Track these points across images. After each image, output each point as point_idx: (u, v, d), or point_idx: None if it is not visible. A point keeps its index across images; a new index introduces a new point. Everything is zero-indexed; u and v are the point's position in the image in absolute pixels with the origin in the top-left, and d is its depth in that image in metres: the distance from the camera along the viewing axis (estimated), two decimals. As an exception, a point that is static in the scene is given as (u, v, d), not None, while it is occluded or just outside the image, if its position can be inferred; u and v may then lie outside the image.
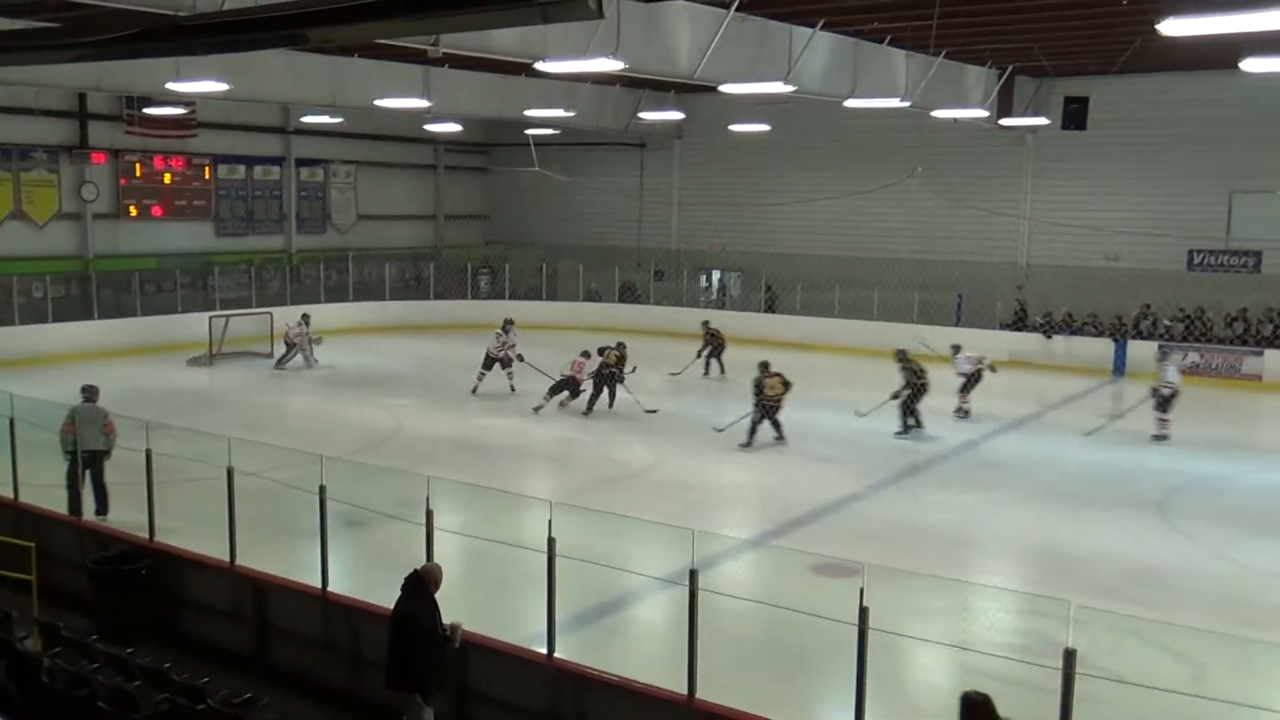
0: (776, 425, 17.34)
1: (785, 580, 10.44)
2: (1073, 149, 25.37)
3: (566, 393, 19.67)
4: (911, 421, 18.10)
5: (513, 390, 21.20)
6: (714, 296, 32.27)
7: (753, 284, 30.35)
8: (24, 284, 25.09)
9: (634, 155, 33.14)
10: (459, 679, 8.53)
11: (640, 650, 10.15)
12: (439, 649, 7.57)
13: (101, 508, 12.23)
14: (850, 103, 19.53)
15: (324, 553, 9.30)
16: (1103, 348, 24.73)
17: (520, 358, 21.50)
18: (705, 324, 24.15)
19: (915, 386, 18.09)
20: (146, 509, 10.60)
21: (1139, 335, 24.79)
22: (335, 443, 15.38)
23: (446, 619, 8.39)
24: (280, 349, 24.59)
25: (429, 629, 7.49)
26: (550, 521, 8.02)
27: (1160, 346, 19.67)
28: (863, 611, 6.64)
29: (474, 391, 21.16)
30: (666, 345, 26.43)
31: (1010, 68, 23.09)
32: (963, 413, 19.60)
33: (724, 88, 17.27)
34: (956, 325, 26.77)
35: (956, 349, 20.13)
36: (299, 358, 24.30)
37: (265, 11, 5.50)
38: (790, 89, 17.35)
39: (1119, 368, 24.43)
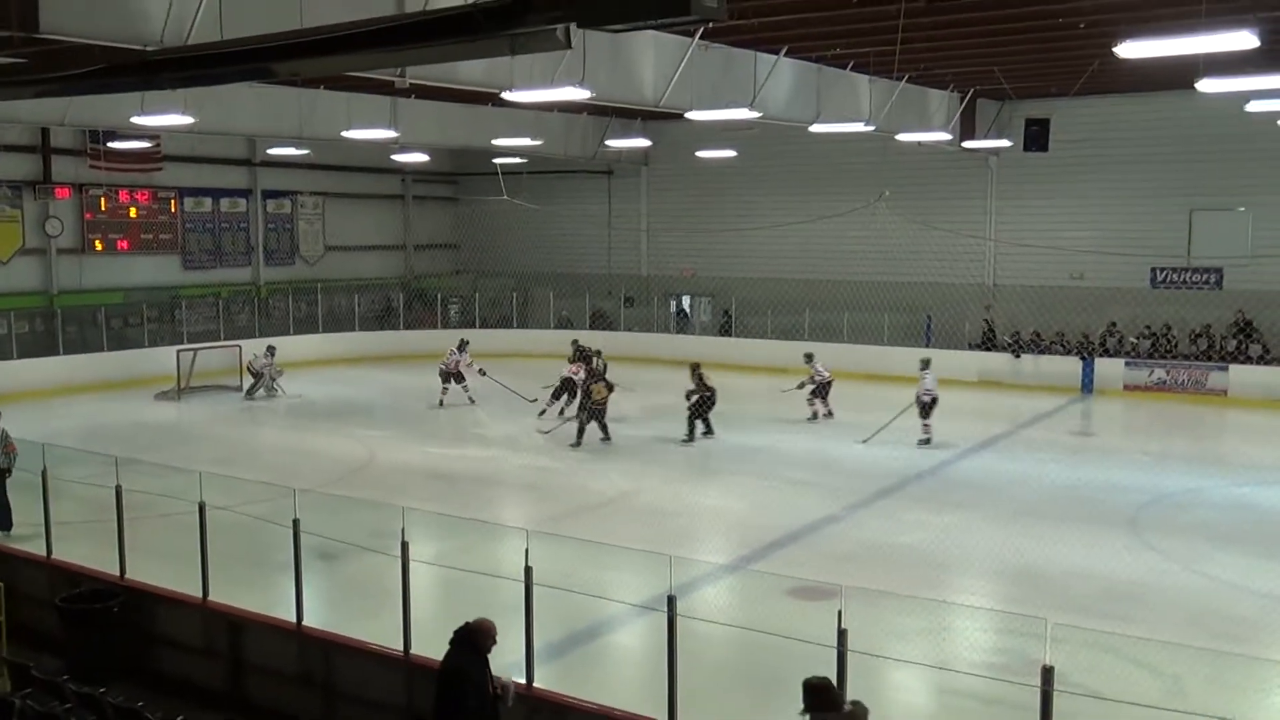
0: (604, 427, 18.81)
1: (763, 604, 10.43)
2: (1035, 170, 25.72)
3: (566, 396, 20.41)
4: (703, 429, 19.41)
5: (471, 402, 22.82)
6: (688, 321, 32.36)
7: (723, 308, 30.49)
8: (-12, 320, 24.83)
9: (602, 182, 33.27)
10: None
11: (619, 677, 10.11)
12: (489, 708, 7.05)
13: (4, 523, 12.59)
14: (815, 128, 19.73)
15: (299, 587, 9.23)
16: (1070, 366, 24.99)
17: (482, 371, 22.99)
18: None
19: (704, 398, 19.36)
20: (117, 546, 10.46)
21: (1105, 353, 25.06)
22: (307, 475, 15.27)
23: (423, 651, 8.36)
24: (247, 380, 24.50)
25: (478, 686, 6.99)
26: (527, 550, 7.99)
27: (921, 359, 20.36)
28: (841, 634, 6.65)
29: (440, 404, 22.67)
30: (639, 371, 26.42)
31: (972, 91, 23.41)
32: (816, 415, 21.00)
33: (690, 115, 17.42)
34: (927, 346, 26.98)
35: (926, 362, 20.30)
36: (263, 389, 24.24)
37: (232, 46, 5.52)
38: (755, 115, 17.53)
39: (1087, 385, 24.68)
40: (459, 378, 22.97)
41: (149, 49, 8.76)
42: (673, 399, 22.72)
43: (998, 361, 25.85)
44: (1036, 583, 12.03)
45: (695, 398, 19.34)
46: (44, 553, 11.13)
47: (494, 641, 7.09)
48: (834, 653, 6.82)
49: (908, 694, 9.48)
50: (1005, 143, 24.24)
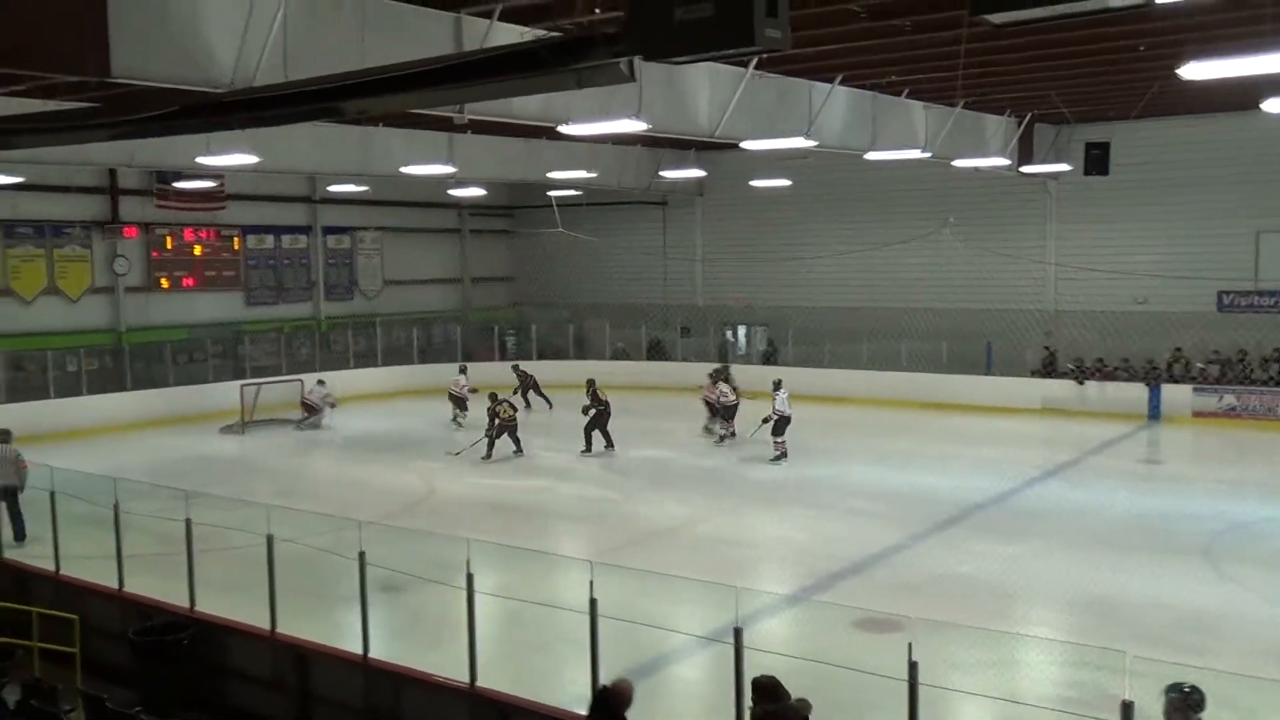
0: (516, 441, 20.71)
1: (828, 636, 10.31)
2: (1096, 194, 25.38)
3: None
4: (603, 442, 20.88)
5: (459, 426, 24.08)
6: (741, 351, 32.28)
7: (779, 337, 30.37)
8: (58, 358, 25.39)
9: (656, 213, 33.38)
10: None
11: (685, 710, 10.03)
12: None
13: (18, 535, 13.71)
14: (870, 155, 19.67)
15: (365, 618, 9.28)
16: (1136, 392, 24.51)
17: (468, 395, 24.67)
18: (515, 367, 27.34)
19: (600, 412, 20.91)
20: (187, 578, 10.61)
21: (1173, 379, 24.57)
22: (369, 507, 15.39)
23: (488, 683, 8.37)
24: (301, 414, 25.10)
25: None
26: (591, 582, 7.98)
27: (774, 380, 20.78)
28: (912, 666, 6.54)
29: (458, 426, 24.06)
30: (695, 401, 26.36)
31: (1029, 116, 23.21)
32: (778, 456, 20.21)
33: (745, 144, 17.43)
34: (987, 373, 26.68)
35: (777, 383, 20.72)
36: (313, 421, 24.86)
37: (301, 86, 5.63)
38: (811, 144, 17.51)
39: (1154, 412, 24.19)
40: (459, 402, 24.44)
41: (219, 90, 8.96)
42: (730, 430, 22.63)
43: (1061, 389, 25.45)
44: (1108, 614, 11.77)
45: (592, 412, 21.00)
46: (116, 585, 11.30)
47: (630, 704, 7.06)
48: (901, 685, 6.70)
49: (978, 728, 9.31)
50: (1064, 167, 23.96)
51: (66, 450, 20.04)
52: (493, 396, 21.13)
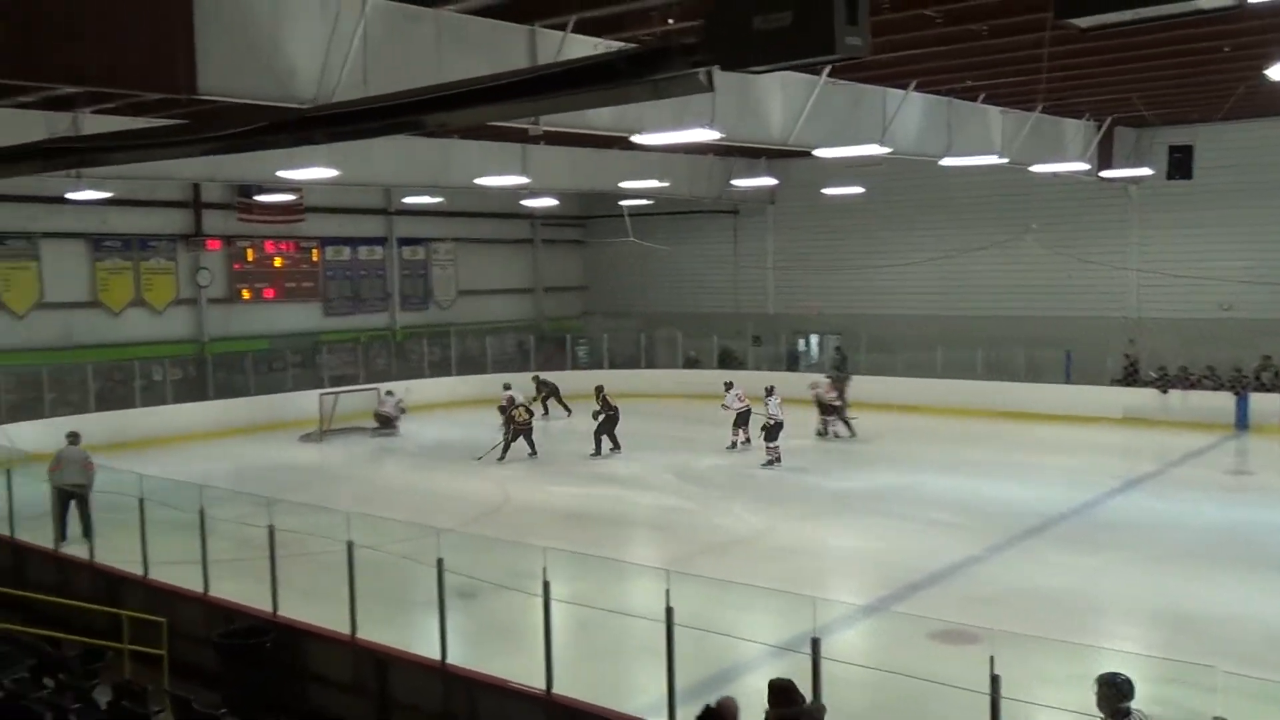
0: (530, 444, 21.85)
1: (905, 647, 10.20)
2: (1179, 198, 24.79)
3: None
4: (610, 445, 21.87)
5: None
6: (813, 360, 32.09)
7: (853, 346, 30.10)
8: (144, 368, 26.11)
9: (728, 222, 33.34)
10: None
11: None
12: None
13: (86, 532, 14.36)
14: (945, 161, 19.43)
15: (443, 624, 9.38)
16: (1222, 401, 23.87)
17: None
18: (535, 377, 27.44)
19: (609, 416, 21.96)
20: (269, 583, 10.83)
21: (1261, 387, 23.88)
22: (445, 515, 15.57)
23: (563, 690, 8.41)
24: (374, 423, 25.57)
25: None
26: (668, 591, 7.98)
27: (766, 386, 21.84)
28: (994, 679, 6.44)
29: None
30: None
31: (1109, 119, 22.75)
32: (735, 444, 21.96)
33: (818, 152, 17.34)
34: (1066, 382, 26.19)
35: (770, 389, 21.47)
36: (391, 430, 25.26)
37: (385, 100, 5.74)
38: (885, 151, 17.36)
39: (1242, 422, 23.52)
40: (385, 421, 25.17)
41: (302, 105, 9.17)
42: (800, 441, 22.55)
43: (1143, 398, 24.86)
44: (1193, 629, 11.49)
45: (601, 417, 21.98)
46: (201, 589, 11.58)
47: None
48: (980, 699, 6.59)
49: (1061, 744, 9.13)
50: (1146, 171, 23.42)
51: (152, 458, 20.59)
52: (510, 400, 22.55)
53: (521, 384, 26.15)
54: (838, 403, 23.34)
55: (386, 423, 25.41)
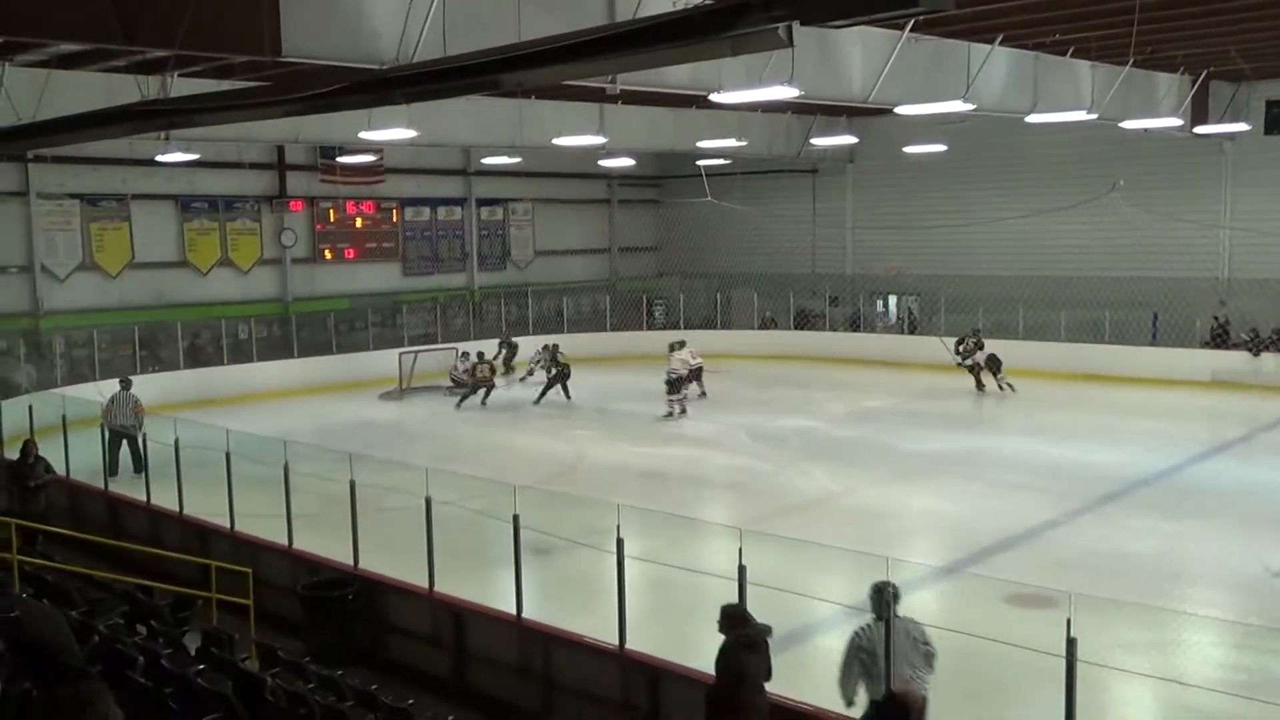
0: (566, 391, 24.15)
1: (980, 610, 10.12)
2: (1277, 155, 23.92)
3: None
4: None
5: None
6: (892, 321, 31.72)
7: (931, 307, 29.69)
8: (230, 326, 26.76)
9: (806, 181, 32.97)
10: (651, 705, 8.61)
11: (830, 679, 10.01)
12: None
13: (138, 468, 15.87)
14: (1032, 118, 18.97)
15: (518, 580, 9.53)
16: (1317, 365, 23.13)
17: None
18: (549, 347, 25.78)
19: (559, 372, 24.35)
20: (351, 537, 11.09)
21: (1358, 350, 23.08)
22: (521, 472, 15.74)
23: (637, 645, 8.53)
24: (445, 382, 25.66)
25: None
26: (740, 549, 8.02)
27: (671, 343, 23.21)
28: (1070, 643, 6.37)
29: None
30: (844, 371, 26.13)
31: (1205, 73, 21.97)
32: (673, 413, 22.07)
33: (900, 109, 17.04)
34: (1153, 343, 25.57)
35: (677, 345, 22.66)
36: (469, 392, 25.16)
37: (464, 60, 5.77)
38: (968, 108, 16.98)
39: (1336, 386, 22.77)
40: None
41: (383, 66, 9.26)
42: (881, 401, 22.40)
43: (1233, 361, 24.17)
44: (1277, 596, 11.21)
45: (554, 371, 24.43)
46: (285, 542, 11.90)
47: (922, 713, 7.16)
48: (1056, 662, 6.53)
49: (1139, 709, 9.04)
50: (1243, 126, 22.62)
51: (238, 414, 21.14)
52: (480, 355, 24.60)
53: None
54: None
55: (460, 385, 25.55)
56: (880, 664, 7.19)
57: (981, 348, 24.03)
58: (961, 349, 24.27)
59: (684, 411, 22.12)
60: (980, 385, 23.86)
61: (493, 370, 24.86)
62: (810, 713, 7.79)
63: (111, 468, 15.96)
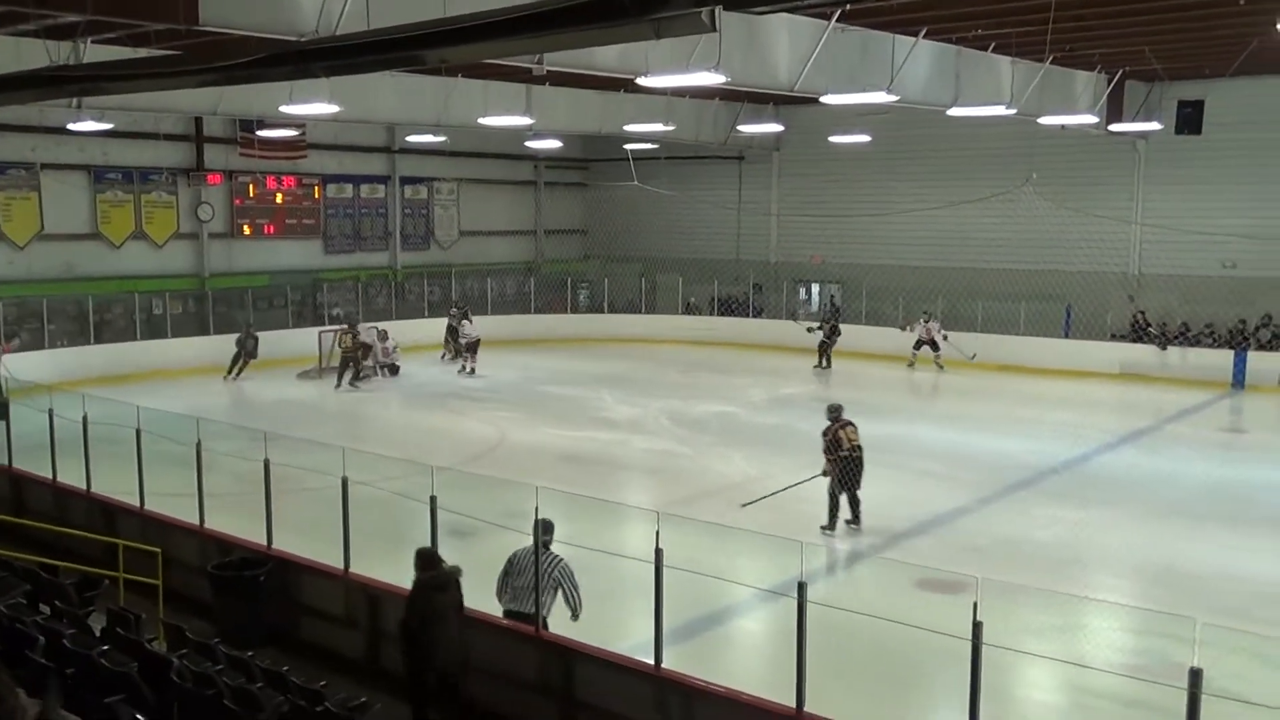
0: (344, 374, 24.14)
1: (891, 594, 10.29)
2: (1187, 154, 24.64)
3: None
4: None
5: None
6: (813, 309, 32.07)
7: (853, 296, 30.09)
8: (145, 301, 26.14)
9: (732, 168, 33.14)
10: (566, 687, 8.62)
11: (746, 662, 10.14)
12: None
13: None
14: (954, 111, 19.27)
15: (435, 561, 9.44)
16: (1221, 359, 23.93)
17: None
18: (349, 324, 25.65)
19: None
20: (265, 517, 10.91)
21: (1260, 346, 23.90)
22: (441, 454, 15.64)
23: (554, 629, 8.54)
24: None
25: None
26: (658, 533, 8.05)
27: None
28: (976, 627, 6.52)
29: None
30: (767, 359, 26.37)
31: (1121, 72, 22.53)
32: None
33: (825, 99, 17.18)
34: (1066, 336, 26.23)
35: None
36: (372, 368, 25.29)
37: (384, 34, 5.68)
38: (892, 99, 17.19)
39: (1239, 379, 23.59)
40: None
41: (302, 39, 9.08)
42: (800, 388, 22.65)
43: (1141, 353, 24.91)
44: (1179, 583, 11.62)
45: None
46: (197, 521, 11.67)
47: None
48: (964, 645, 6.68)
49: (1043, 692, 9.29)
50: (1155, 125, 23.24)
51: (151, 390, 20.64)
52: (349, 326, 24.76)
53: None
54: (475, 336, 25.94)
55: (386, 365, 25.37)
56: (511, 578, 8.87)
57: (837, 332, 26.56)
58: (820, 329, 26.70)
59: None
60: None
61: (356, 347, 24.48)
62: (725, 695, 7.85)
63: None
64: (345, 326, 25.17)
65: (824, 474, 13.64)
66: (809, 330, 27.02)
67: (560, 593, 8.78)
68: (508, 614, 8.91)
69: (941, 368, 25.78)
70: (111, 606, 9.41)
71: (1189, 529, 13.51)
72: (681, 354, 28.19)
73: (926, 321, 26.40)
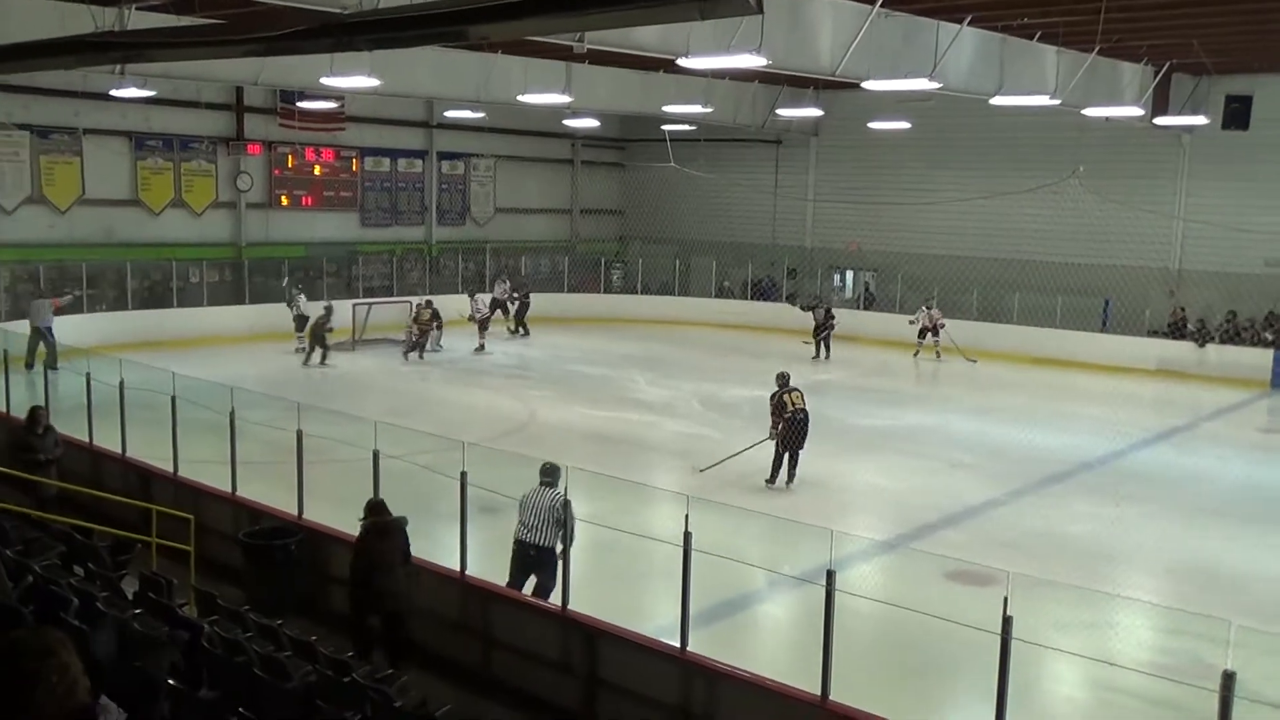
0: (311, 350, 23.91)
1: (920, 585, 10.26)
2: (1233, 150, 24.25)
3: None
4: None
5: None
6: (848, 296, 31.89)
7: (888, 283, 29.88)
8: (182, 269, 26.36)
9: (770, 152, 32.94)
10: (590, 667, 8.64)
11: (771, 648, 10.13)
12: None
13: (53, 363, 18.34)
14: (996, 100, 19.06)
15: (463, 537, 9.51)
16: (1260, 358, 23.58)
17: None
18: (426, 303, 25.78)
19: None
20: (296, 487, 10.99)
21: (1301, 346, 23.55)
22: (471, 429, 15.68)
23: (579, 607, 8.56)
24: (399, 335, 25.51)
25: None
26: (687, 516, 8.04)
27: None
28: (1006, 621, 6.47)
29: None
30: (799, 344, 26.21)
31: (1168, 65, 22.19)
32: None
33: (867, 84, 17.03)
34: (1103, 330, 25.95)
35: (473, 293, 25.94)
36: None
37: (429, 9, 5.66)
38: (934, 86, 17.02)
39: (1278, 380, 23.24)
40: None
41: (345, 11, 9.08)
42: (832, 375, 22.55)
43: (1179, 350, 24.59)
44: (1212, 583, 11.48)
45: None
46: (229, 489, 11.77)
47: None
48: (992, 639, 6.63)
49: (1069, 688, 9.23)
50: (1201, 119, 22.89)
51: (186, 358, 20.82)
52: (328, 309, 24.14)
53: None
54: (485, 313, 26.44)
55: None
56: (522, 514, 9.65)
57: (831, 316, 26.23)
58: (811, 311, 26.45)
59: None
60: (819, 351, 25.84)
61: (433, 319, 24.90)
62: (750, 680, 7.84)
63: (29, 361, 18.49)
64: (424, 300, 25.51)
65: (770, 437, 14.87)
66: (803, 309, 26.95)
67: (562, 528, 9.35)
68: (517, 544, 9.61)
69: (939, 356, 25.57)
70: (144, 571, 9.52)
71: (1224, 529, 13.36)
72: (714, 337, 28.12)
73: (929, 309, 26.07)
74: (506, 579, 9.56)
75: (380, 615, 9.22)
